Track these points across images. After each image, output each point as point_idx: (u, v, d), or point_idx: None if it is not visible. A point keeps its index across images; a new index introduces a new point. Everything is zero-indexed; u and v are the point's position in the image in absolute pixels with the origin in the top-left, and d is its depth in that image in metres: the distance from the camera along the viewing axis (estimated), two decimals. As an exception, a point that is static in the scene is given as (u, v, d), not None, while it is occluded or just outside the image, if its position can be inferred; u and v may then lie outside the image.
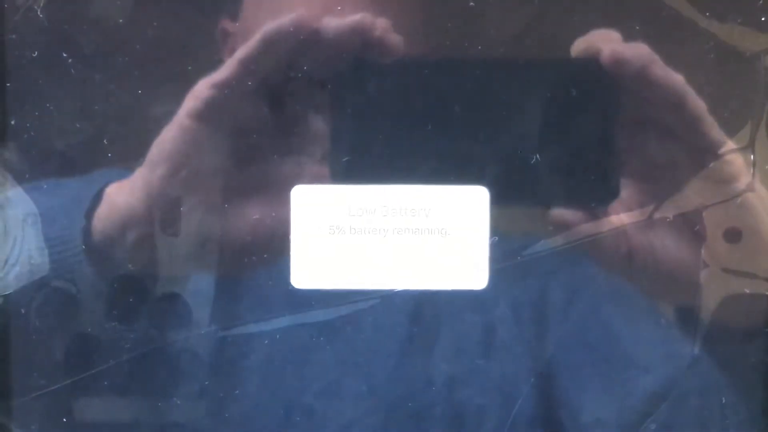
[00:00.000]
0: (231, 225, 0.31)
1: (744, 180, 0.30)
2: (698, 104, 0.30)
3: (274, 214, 0.30)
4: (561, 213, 0.30)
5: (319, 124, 0.30)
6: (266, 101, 0.30)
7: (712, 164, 0.30)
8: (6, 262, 0.30)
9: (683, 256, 0.31)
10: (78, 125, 0.30)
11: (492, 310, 0.32)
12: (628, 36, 0.30)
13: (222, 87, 0.30)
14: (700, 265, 0.31)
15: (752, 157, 0.30)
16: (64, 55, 0.30)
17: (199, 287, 0.31)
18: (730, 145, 0.30)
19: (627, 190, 0.31)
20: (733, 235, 0.31)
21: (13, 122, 0.30)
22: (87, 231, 0.31)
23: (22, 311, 0.30)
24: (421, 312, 0.31)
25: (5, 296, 0.30)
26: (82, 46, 0.30)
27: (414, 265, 0.30)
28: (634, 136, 0.30)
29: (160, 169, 0.30)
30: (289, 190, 0.30)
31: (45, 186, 0.30)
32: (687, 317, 0.31)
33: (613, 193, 0.31)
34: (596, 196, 0.31)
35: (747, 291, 0.31)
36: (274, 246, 0.30)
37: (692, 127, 0.30)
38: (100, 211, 0.31)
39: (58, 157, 0.31)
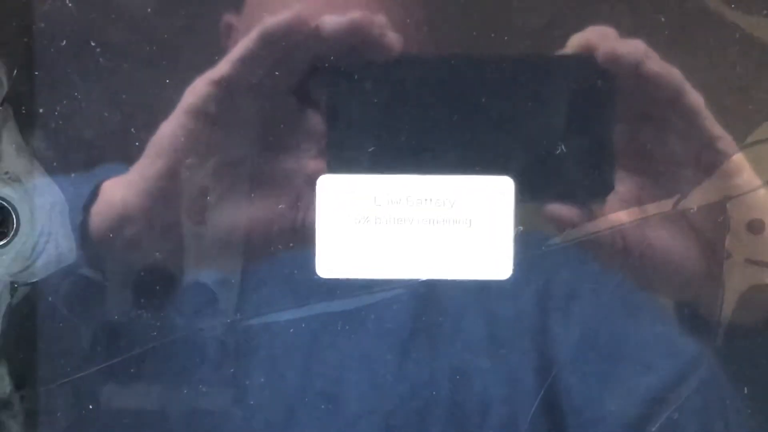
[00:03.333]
0: (256, 215, 0.31)
1: (767, 172, 0.31)
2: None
3: (300, 204, 0.31)
4: (555, 209, 0.31)
5: (342, 114, 0.30)
6: (276, 97, 0.30)
7: (735, 156, 0.30)
8: (33, 249, 0.30)
9: (706, 247, 0.31)
10: (106, 114, 0.30)
11: (516, 301, 0.32)
12: (653, 28, 0.30)
13: (220, 83, 0.30)
14: (724, 256, 0.31)
15: (775, 148, 0.31)
16: (92, 44, 0.30)
17: (225, 276, 0.31)
18: (753, 137, 0.31)
19: (646, 182, 0.31)
20: (756, 226, 0.31)
21: (41, 111, 0.30)
22: (84, 226, 0.31)
23: (50, 299, 0.31)
24: (446, 302, 0.32)
25: (33, 284, 0.31)
26: (110, 35, 0.30)
27: (438, 254, 0.31)
28: (655, 130, 0.31)
29: (158, 164, 0.30)
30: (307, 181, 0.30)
31: (73, 175, 0.30)
32: (710, 309, 0.31)
33: (630, 185, 0.31)
34: (616, 185, 0.31)
35: (769, 282, 0.31)
36: (300, 236, 0.31)
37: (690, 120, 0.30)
38: (97, 206, 0.31)
39: (85, 146, 0.31)
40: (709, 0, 0.30)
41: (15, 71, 0.30)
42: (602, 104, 0.31)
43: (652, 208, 0.31)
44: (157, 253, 0.31)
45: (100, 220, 0.31)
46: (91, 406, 0.31)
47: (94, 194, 0.31)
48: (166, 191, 0.30)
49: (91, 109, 0.30)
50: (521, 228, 0.31)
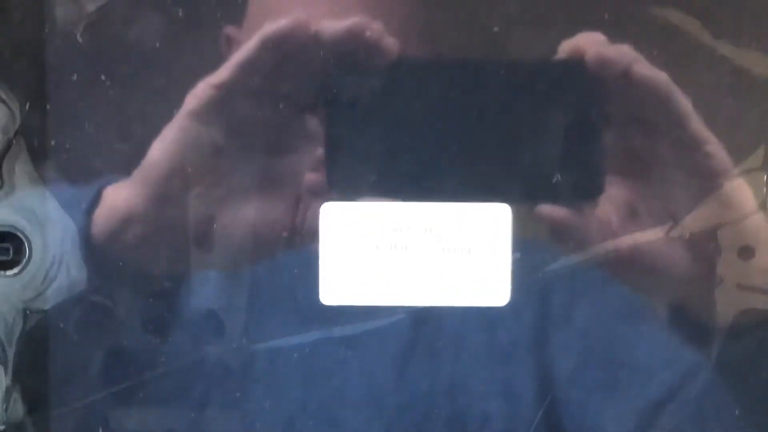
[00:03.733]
0: (261, 237, 0.31)
1: (758, 200, 0.31)
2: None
3: (302, 228, 0.31)
4: (546, 209, 0.31)
5: (344, 144, 0.31)
6: (274, 104, 0.31)
7: (727, 185, 0.31)
8: (45, 277, 0.31)
9: (699, 272, 0.32)
10: (116, 145, 0.31)
11: (512, 326, 0.33)
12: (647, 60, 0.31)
13: (221, 88, 0.30)
14: (716, 281, 0.32)
15: (765, 177, 0.31)
16: (102, 78, 0.31)
17: (231, 303, 0.32)
18: (744, 166, 0.31)
19: (642, 206, 0.32)
20: (747, 252, 0.32)
21: (53, 142, 0.31)
22: (86, 231, 0.31)
23: (61, 325, 0.31)
24: (446, 328, 0.32)
25: (45, 311, 0.31)
26: (119, 69, 0.31)
27: (438, 281, 0.31)
28: (653, 151, 0.31)
29: (160, 167, 0.31)
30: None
31: (84, 205, 0.31)
32: (702, 332, 0.32)
33: (625, 213, 0.32)
34: (614, 212, 0.32)
35: (760, 306, 0.32)
36: (304, 263, 0.31)
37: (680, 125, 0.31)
38: (100, 210, 0.31)
39: (96, 177, 0.31)
40: (700, 34, 0.31)
41: (28, 105, 0.31)
42: (598, 129, 0.31)
43: (646, 235, 0.32)
44: (166, 281, 0.31)
45: (103, 223, 0.31)
46: (100, 430, 0.32)
47: (96, 199, 0.31)
48: (168, 195, 0.31)
49: (101, 140, 0.31)
50: (518, 254, 0.31)
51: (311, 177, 0.31)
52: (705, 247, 0.32)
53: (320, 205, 0.31)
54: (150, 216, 0.31)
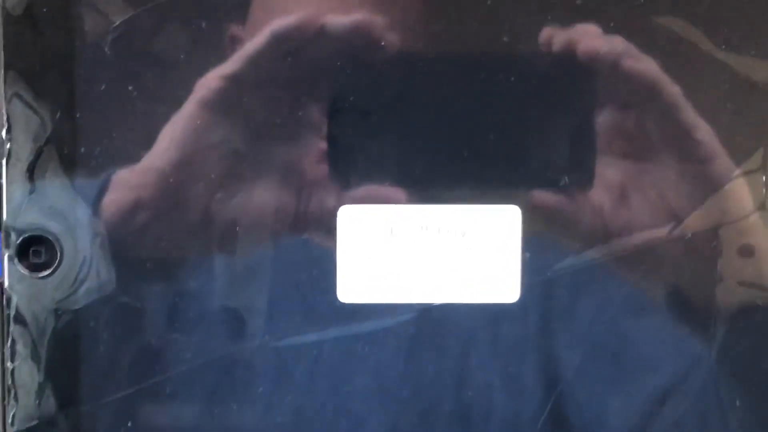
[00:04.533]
0: (269, 224, 0.33)
1: (757, 200, 0.33)
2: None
3: (321, 232, 0.33)
4: (540, 195, 0.33)
5: (356, 151, 0.33)
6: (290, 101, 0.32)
7: (727, 186, 0.33)
8: (76, 279, 0.32)
9: (700, 270, 0.33)
10: (142, 153, 0.32)
11: (523, 322, 0.34)
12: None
13: (229, 79, 0.32)
14: (717, 279, 0.33)
15: (764, 178, 0.33)
16: (130, 88, 0.32)
17: (253, 302, 0.33)
18: (744, 167, 0.33)
19: (647, 208, 0.33)
20: (747, 251, 0.33)
21: (82, 150, 0.32)
22: (96, 218, 0.32)
23: (91, 324, 0.32)
24: (458, 324, 0.34)
25: (75, 311, 0.32)
26: (146, 80, 0.32)
27: (451, 279, 0.33)
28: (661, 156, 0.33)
29: (169, 155, 0.32)
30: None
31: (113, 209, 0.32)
32: (705, 327, 0.33)
33: (629, 210, 0.33)
34: (618, 209, 0.33)
35: (759, 303, 0.33)
36: (322, 263, 0.33)
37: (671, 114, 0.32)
38: (110, 196, 0.32)
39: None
40: (700, 42, 0.32)
41: (58, 114, 0.32)
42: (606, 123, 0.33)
43: (649, 234, 0.33)
44: (191, 281, 0.33)
45: (113, 209, 0.32)
46: (129, 424, 0.33)
47: (104, 185, 0.32)
48: (175, 182, 0.32)
49: (129, 148, 0.32)
50: (528, 254, 0.33)
51: (316, 169, 0.32)
52: (707, 246, 0.33)
53: (331, 199, 0.32)
54: (158, 203, 0.32)
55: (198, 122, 0.32)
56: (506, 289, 0.33)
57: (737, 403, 0.33)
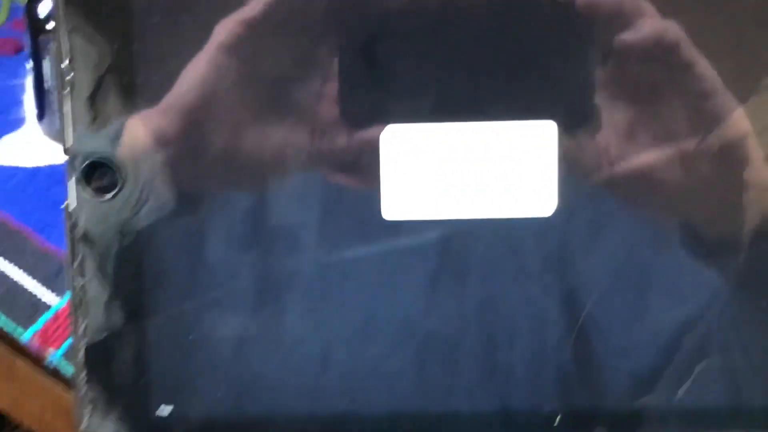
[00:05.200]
0: (326, 161, 0.34)
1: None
2: None
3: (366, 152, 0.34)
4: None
5: (393, 69, 0.34)
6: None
7: (753, 96, 0.34)
8: (138, 200, 0.34)
9: (728, 180, 0.35)
10: (199, 82, 0.34)
11: (558, 236, 0.35)
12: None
13: (249, 23, 0.33)
14: (743, 188, 0.34)
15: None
16: (184, 19, 0.34)
17: (303, 219, 0.35)
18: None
19: (675, 120, 0.34)
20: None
21: (140, 79, 0.34)
22: (116, 157, 0.33)
23: (153, 242, 0.34)
24: (497, 238, 0.35)
25: (138, 230, 0.34)
26: (200, 11, 0.34)
27: (490, 195, 0.35)
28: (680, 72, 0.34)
29: (189, 96, 0.33)
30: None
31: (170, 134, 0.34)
32: (731, 241, 0.35)
33: (657, 125, 0.34)
34: (646, 124, 0.35)
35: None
36: (368, 181, 0.35)
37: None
38: (128, 135, 0.33)
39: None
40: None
41: (116, 45, 0.34)
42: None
43: (677, 147, 0.35)
44: (245, 202, 0.35)
45: (133, 148, 0.33)
46: (191, 336, 0.35)
47: (120, 128, 0.33)
48: (196, 121, 0.33)
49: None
50: (564, 169, 0.34)
51: (358, 94, 0.34)
52: (734, 156, 0.34)
53: (374, 122, 0.34)
54: (179, 137, 0.33)
55: (217, 65, 0.33)
56: (544, 200, 0.35)
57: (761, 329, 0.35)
